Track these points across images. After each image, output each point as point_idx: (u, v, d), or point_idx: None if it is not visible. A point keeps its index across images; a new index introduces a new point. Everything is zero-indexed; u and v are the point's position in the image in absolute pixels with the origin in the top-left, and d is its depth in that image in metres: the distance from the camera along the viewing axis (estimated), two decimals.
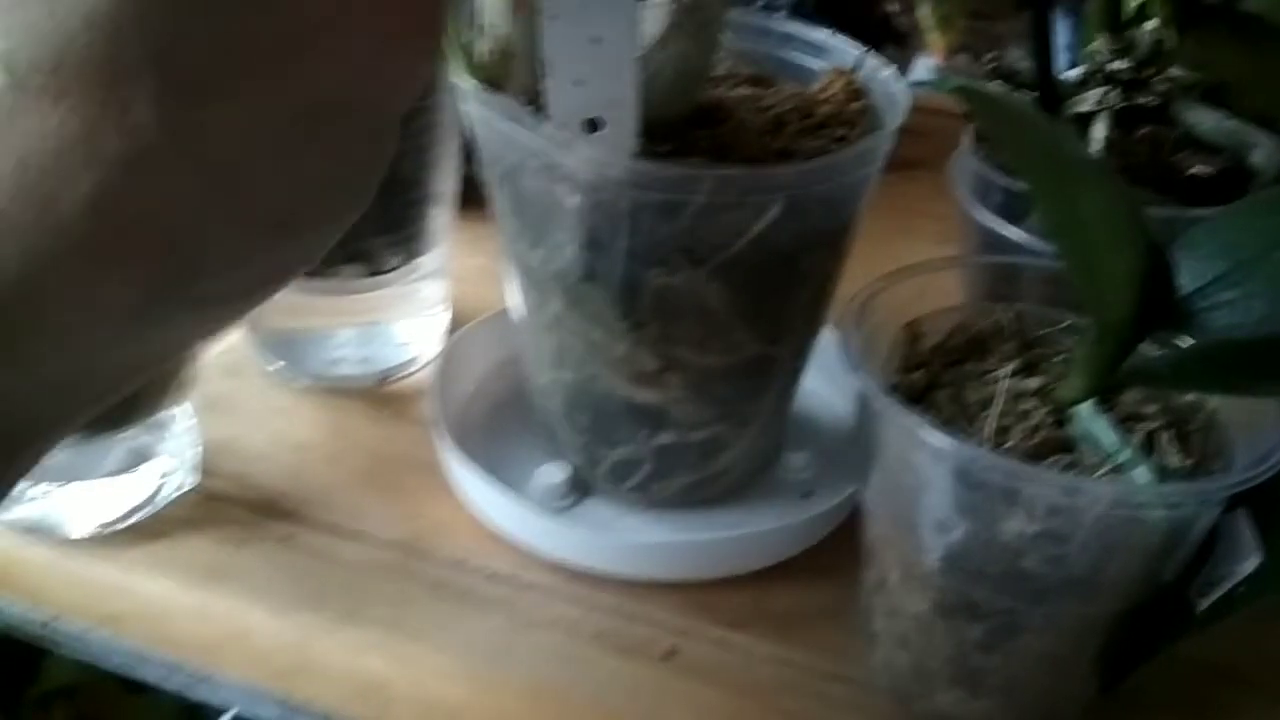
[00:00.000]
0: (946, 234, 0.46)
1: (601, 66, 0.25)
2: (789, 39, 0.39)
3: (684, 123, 0.32)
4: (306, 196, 0.19)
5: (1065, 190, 0.25)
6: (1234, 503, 0.30)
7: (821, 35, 0.38)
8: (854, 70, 0.36)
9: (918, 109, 0.73)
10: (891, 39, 0.58)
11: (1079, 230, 0.26)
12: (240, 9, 0.16)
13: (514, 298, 0.36)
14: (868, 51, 0.36)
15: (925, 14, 1.34)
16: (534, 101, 0.30)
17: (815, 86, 0.35)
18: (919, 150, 0.64)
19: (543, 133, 0.28)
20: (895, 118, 0.33)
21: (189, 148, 0.16)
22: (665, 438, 0.35)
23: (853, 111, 0.34)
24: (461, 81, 0.31)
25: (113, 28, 0.16)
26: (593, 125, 0.27)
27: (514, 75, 0.30)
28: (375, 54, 0.18)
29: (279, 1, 0.17)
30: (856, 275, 0.35)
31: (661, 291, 0.31)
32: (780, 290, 0.33)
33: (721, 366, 0.34)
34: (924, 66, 1.39)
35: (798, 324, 0.35)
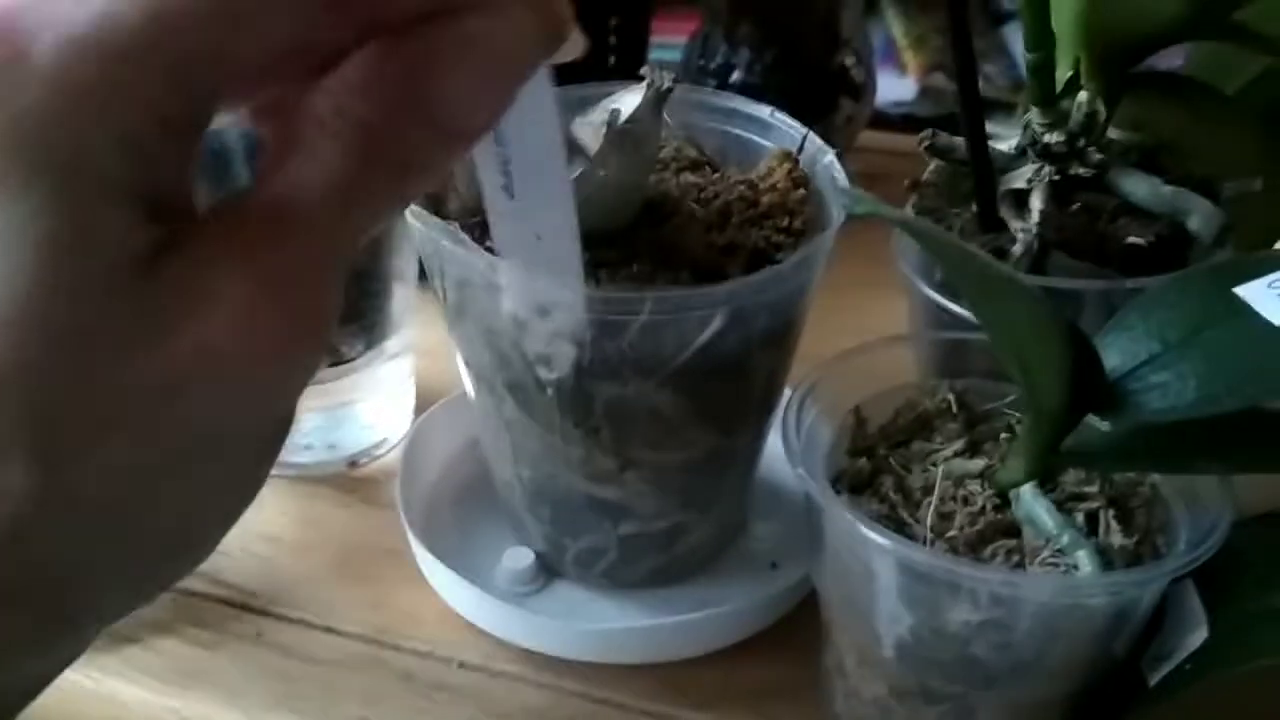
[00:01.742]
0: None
1: (545, 261, 0.26)
2: (732, 114, 0.39)
3: (628, 222, 0.33)
4: (196, 516, 0.19)
5: (992, 300, 0.26)
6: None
7: (764, 112, 0.39)
8: (796, 153, 0.36)
9: (878, 151, 0.73)
10: (848, 91, 0.58)
11: (1009, 331, 0.27)
12: (105, 363, 0.16)
13: (470, 394, 0.37)
14: (808, 133, 0.37)
15: (900, 34, 1.34)
16: (473, 217, 0.30)
17: (759, 171, 0.36)
18: (879, 193, 0.64)
19: (484, 260, 0.29)
20: (836, 214, 0.33)
21: (67, 503, 0.16)
22: (628, 528, 0.36)
23: (795, 200, 0.34)
24: None
25: None
26: (543, 311, 0.28)
27: (454, 192, 0.31)
28: (253, 378, 0.17)
29: (144, 350, 0.16)
30: (819, 328, 0.35)
31: (613, 401, 0.31)
32: (730, 390, 0.33)
33: (679, 461, 0.34)
34: (902, 86, 1.40)
35: (751, 415, 0.35)
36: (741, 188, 0.35)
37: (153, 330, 0.16)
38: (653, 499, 0.35)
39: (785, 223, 0.34)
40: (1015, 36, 1.24)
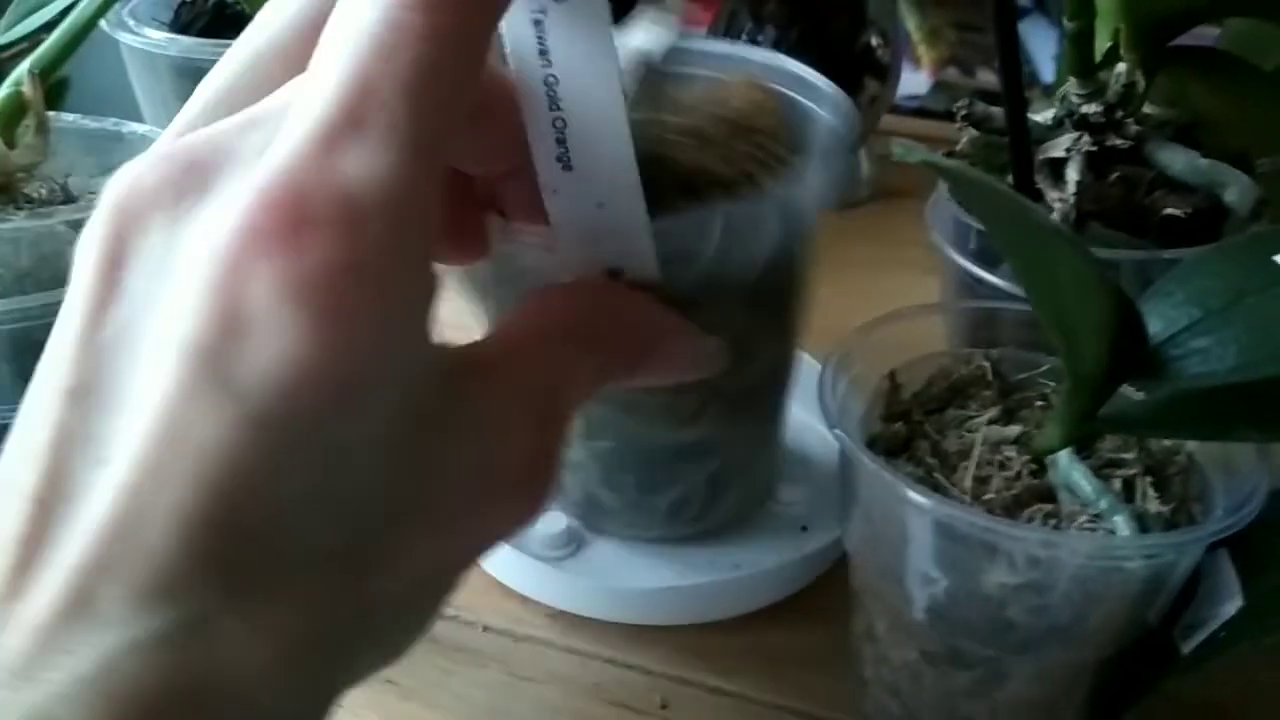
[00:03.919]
0: (935, 263, 0.46)
1: (611, 228, 0.25)
2: (705, 56, 0.38)
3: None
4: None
5: (1036, 255, 0.26)
6: (1216, 542, 0.31)
7: (726, 48, 0.38)
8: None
9: (902, 135, 0.72)
10: (873, 71, 0.58)
11: (1052, 290, 0.27)
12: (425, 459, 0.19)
13: None
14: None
15: (914, 27, 1.34)
16: None
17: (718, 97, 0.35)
18: (902, 178, 0.64)
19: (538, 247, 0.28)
20: (830, 118, 0.33)
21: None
22: (712, 465, 0.37)
23: (767, 113, 0.34)
24: None
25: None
26: (614, 272, 0.27)
27: None
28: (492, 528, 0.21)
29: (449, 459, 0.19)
30: (847, 307, 0.35)
31: None
32: (785, 301, 0.34)
33: (747, 386, 0.35)
34: (916, 80, 1.39)
35: (798, 328, 0.36)
36: (709, 107, 0.34)
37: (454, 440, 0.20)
38: (729, 430, 0.36)
39: (770, 138, 0.33)
40: (1029, 33, 1.24)
